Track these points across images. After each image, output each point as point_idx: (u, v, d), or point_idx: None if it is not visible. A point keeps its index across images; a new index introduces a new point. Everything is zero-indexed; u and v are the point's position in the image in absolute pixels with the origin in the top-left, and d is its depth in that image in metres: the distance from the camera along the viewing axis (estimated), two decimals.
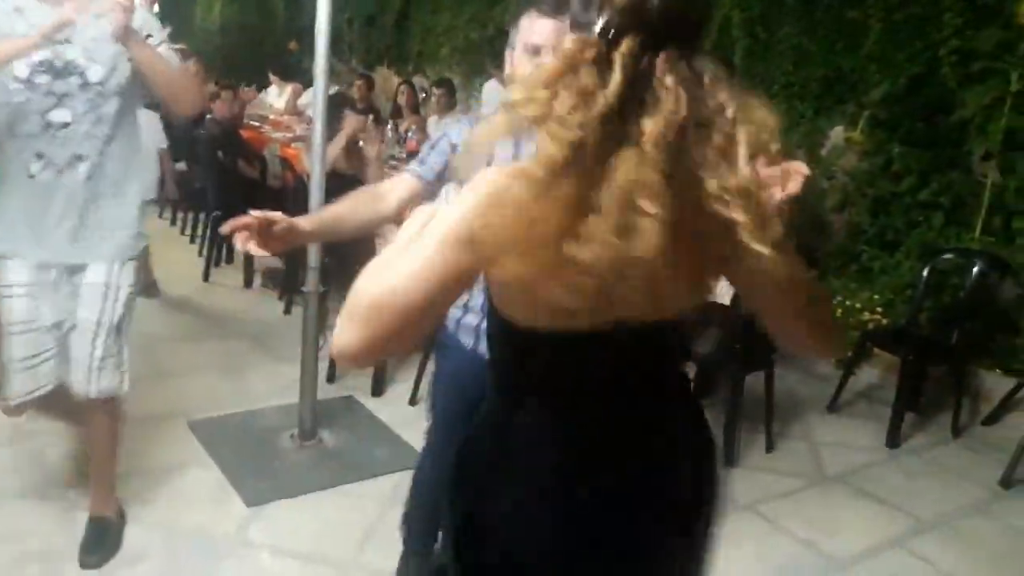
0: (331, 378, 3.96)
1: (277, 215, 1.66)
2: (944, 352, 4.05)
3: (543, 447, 1.19)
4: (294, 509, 2.94)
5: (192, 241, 6.23)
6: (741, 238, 0.99)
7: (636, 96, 0.97)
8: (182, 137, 6.37)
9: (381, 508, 2.94)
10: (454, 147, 1.94)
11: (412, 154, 5.53)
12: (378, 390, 3.86)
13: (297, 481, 3.08)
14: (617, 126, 0.96)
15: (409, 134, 5.76)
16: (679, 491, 1.25)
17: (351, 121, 4.45)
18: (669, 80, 0.97)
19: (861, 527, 3.11)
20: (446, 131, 2.01)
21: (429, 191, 1.95)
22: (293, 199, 4.56)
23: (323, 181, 3.21)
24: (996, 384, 4.11)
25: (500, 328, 1.19)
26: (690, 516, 1.28)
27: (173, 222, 6.84)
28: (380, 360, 3.86)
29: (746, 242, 0.99)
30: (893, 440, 3.78)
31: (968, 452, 3.80)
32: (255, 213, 1.61)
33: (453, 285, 1.07)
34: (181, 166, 6.53)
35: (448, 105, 6.30)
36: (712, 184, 0.98)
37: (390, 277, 1.06)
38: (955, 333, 4.02)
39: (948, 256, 4.14)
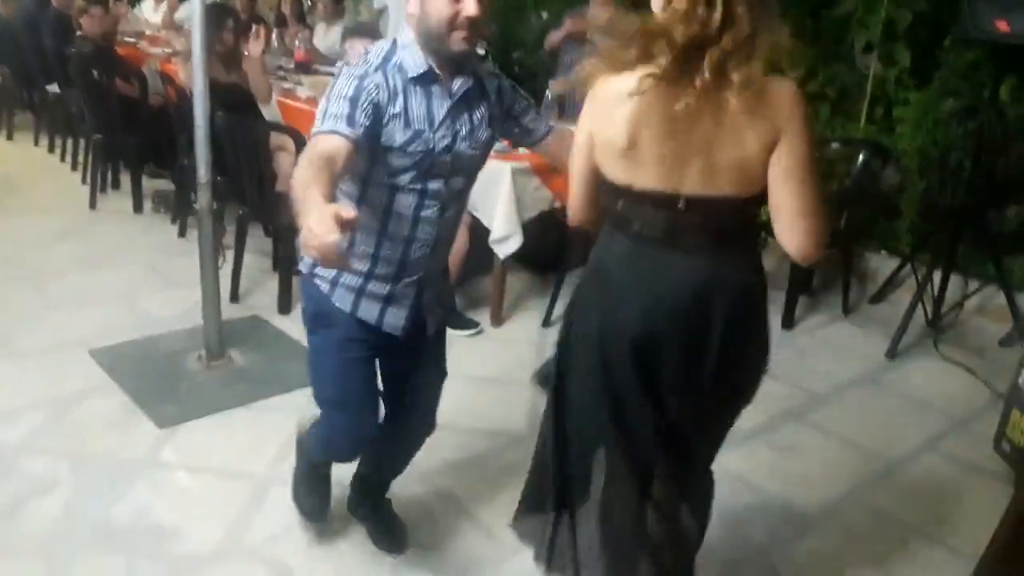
0: (235, 298, 3.88)
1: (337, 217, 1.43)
2: (834, 236, 4.23)
3: (625, 266, 1.66)
4: (207, 428, 2.90)
5: (74, 168, 5.90)
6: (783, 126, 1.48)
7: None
8: (52, 57, 5.96)
9: (295, 420, 2.92)
10: (377, 105, 1.74)
11: (300, 64, 5.33)
12: (285, 307, 3.81)
13: (208, 401, 3.04)
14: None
15: (297, 43, 5.52)
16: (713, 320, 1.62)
17: (254, 46, 4.25)
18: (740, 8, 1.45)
19: (759, 403, 3.20)
20: (362, 84, 1.74)
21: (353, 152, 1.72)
22: (176, 115, 4.34)
23: (206, 94, 3.05)
24: (881, 264, 4.36)
25: (605, 184, 1.67)
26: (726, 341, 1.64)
27: (51, 149, 6.44)
28: (284, 278, 3.80)
29: (792, 134, 1.48)
30: (788, 322, 3.98)
31: (857, 329, 4.05)
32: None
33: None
34: (54, 89, 6.12)
35: (335, 12, 6.06)
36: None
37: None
38: (843, 218, 4.22)
39: (835, 146, 4.30)
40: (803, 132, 1.49)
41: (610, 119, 1.56)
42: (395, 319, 1.98)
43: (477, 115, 1.88)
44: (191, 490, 2.60)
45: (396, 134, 1.77)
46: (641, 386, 1.67)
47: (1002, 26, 3.29)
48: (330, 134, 1.69)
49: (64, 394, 3.05)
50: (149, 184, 5.27)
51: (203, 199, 3.13)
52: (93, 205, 5.18)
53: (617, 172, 1.61)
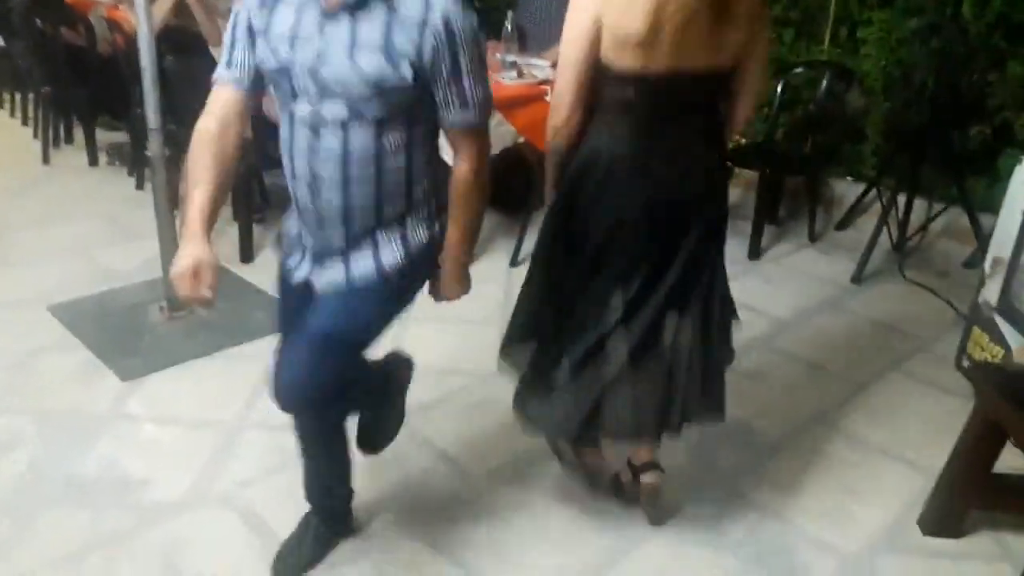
0: None
1: (191, 266, 1.64)
2: (798, 163, 4.24)
3: (625, 149, 1.89)
4: (173, 379, 2.87)
5: (25, 124, 5.73)
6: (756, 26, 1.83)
7: None
8: None
9: (263, 367, 2.89)
10: (250, 28, 1.66)
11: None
12: (247, 256, 3.76)
13: (172, 351, 3.00)
14: None
15: None
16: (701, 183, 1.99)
17: None
18: None
19: None
20: (238, 9, 1.68)
21: (251, 94, 1.72)
22: (127, 62, 4.20)
23: (153, 41, 2.95)
24: (847, 190, 4.36)
25: (604, 74, 1.83)
26: (704, 205, 2.01)
27: (0, 105, 6.25)
28: (244, 226, 3.74)
29: (759, 28, 1.85)
30: (754, 251, 3.99)
31: (823, 256, 4.06)
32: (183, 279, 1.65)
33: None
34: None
35: None
36: None
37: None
38: (808, 144, 4.21)
39: (799, 71, 4.25)
40: (766, 28, 1.93)
41: (627, 10, 1.73)
42: (295, 267, 1.87)
43: (364, 36, 1.56)
44: (158, 441, 2.58)
45: (261, 53, 1.65)
46: (660, 242, 1.98)
47: None
48: (216, 88, 1.68)
49: (24, 351, 3.01)
50: (104, 137, 5.13)
51: (154, 146, 3.04)
52: (46, 160, 5.05)
53: (629, 60, 1.78)
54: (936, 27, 3.82)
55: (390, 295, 1.82)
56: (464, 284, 1.93)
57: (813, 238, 4.18)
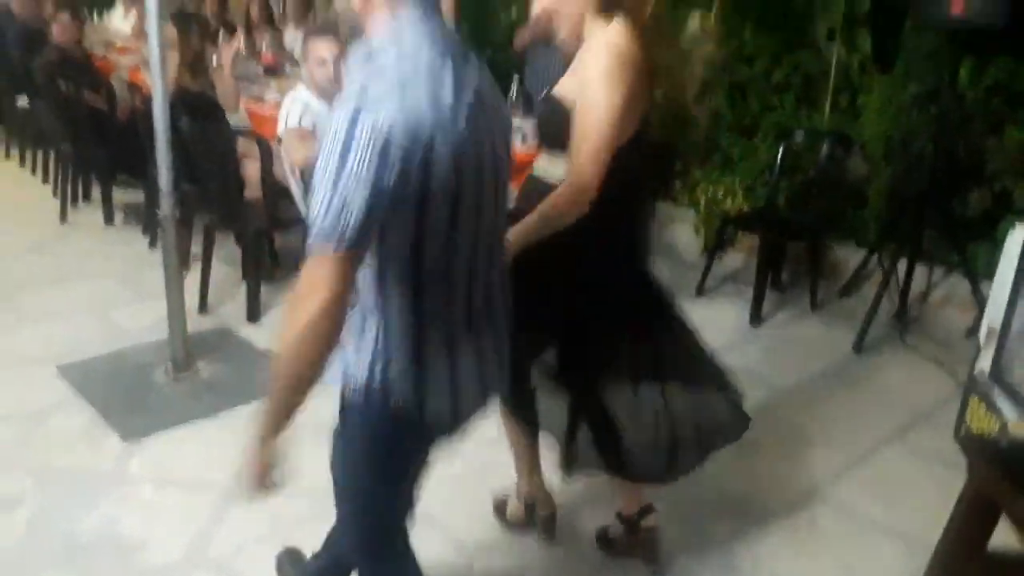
0: (203, 308, 3.88)
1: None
2: (800, 229, 4.27)
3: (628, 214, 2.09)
4: (174, 440, 2.91)
5: (45, 182, 5.87)
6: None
7: None
8: (19, 69, 5.93)
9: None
10: None
11: (268, 68, 5.32)
12: (254, 316, 3.81)
13: (174, 413, 3.04)
14: None
15: (264, 48, 5.51)
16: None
17: (226, 53, 4.23)
18: None
19: None
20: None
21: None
22: (146, 125, 4.32)
23: (166, 102, 3.05)
24: (850, 256, 4.38)
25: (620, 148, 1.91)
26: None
27: (22, 162, 6.41)
28: (253, 287, 3.81)
29: None
30: (755, 318, 4.01)
31: (825, 323, 4.08)
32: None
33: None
34: (24, 102, 6.09)
35: (304, 14, 6.05)
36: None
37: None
38: (809, 210, 4.25)
39: (799, 137, 4.32)
40: None
41: (640, 79, 1.87)
42: None
43: None
44: (156, 503, 2.61)
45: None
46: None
47: (956, 9, 3.31)
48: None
49: (32, 409, 3.06)
50: (121, 195, 5.25)
51: (166, 207, 3.12)
52: (64, 218, 5.17)
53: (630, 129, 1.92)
54: (934, 94, 3.88)
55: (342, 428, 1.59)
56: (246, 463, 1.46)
57: (815, 305, 4.19)
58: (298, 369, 1.29)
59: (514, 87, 4.26)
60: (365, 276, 1.40)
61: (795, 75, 4.50)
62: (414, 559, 1.76)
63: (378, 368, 1.42)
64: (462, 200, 1.33)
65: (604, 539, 2.41)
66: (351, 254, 1.24)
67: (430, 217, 1.31)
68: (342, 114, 1.23)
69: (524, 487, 2.46)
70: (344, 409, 1.54)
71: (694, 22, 4.91)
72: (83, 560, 2.34)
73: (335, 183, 1.21)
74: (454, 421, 1.53)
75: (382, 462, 1.56)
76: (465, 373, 1.48)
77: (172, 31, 4.13)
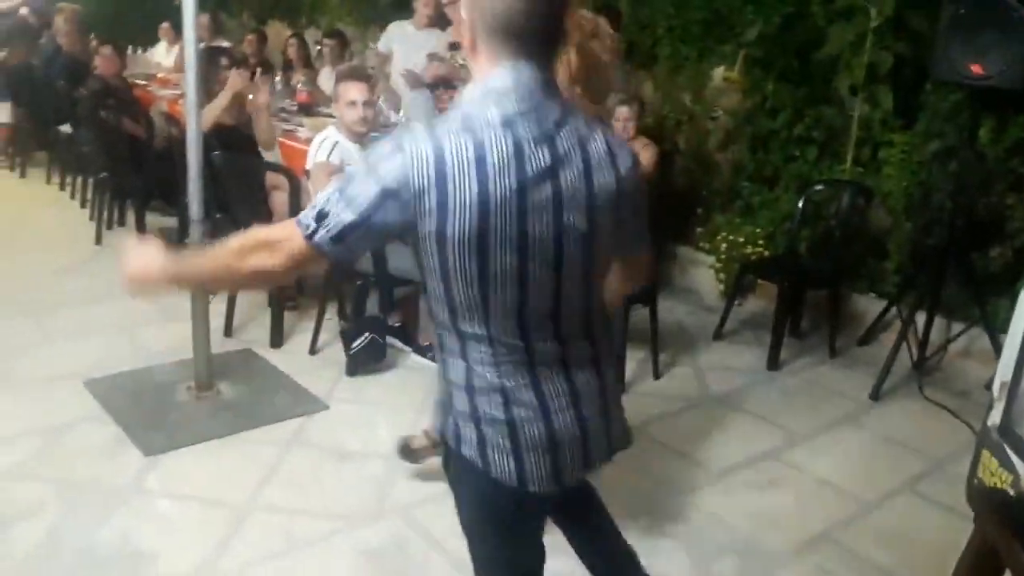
0: (228, 332, 3.96)
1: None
2: (820, 277, 4.30)
3: None
4: (192, 457, 2.97)
5: (83, 206, 6.04)
6: None
7: None
8: (64, 98, 6.16)
9: (280, 451, 3.00)
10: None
11: (303, 106, 5.48)
12: (277, 341, 3.89)
13: (194, 431, 3.11)
14: None
15: (299, 86, 5.68)
16: None
17: (235, 79, 4.37)
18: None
19: (739, 441, 3.33)
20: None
21: None
22: (180, 155, 4.47)
23: (199, 135, 3.18)
24: (869, 306, 4.39)
25: None
26: None
27: (62, 187, 6.62)
28: (276, 313, 3.89)
29: None
30: (773, 363, 4.02)
31: (842, 370, 4.07)
32: None
33: None
34: (67, 129, 6.31)
35: (340, 57, 6.23)
36: None
37: None
38: (829, 259, 4.28)
39: (820, 188, 4.37)
40: None
41: None
42: None
43: None
44: (172, 517, 2.66)
45: None
46: None
47: (976, 69, 3.37)
48: None
49: (57, 423, 3.14)
50: (154, 221, 5.40)
51: (195, 235, 3.23)
52: (99, 241, 5.31)
53: None
54: (954, 151, 3.92)
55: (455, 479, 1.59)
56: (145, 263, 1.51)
57: (833, 353, 4.20)
58: (212, 280, 1.70)
59: None
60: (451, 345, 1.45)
61: (817, 128, 4.57)
62: None
63: (450, 425, 1.48)
64: (498, 252, 1.32)
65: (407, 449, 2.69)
66: (313, 251, 1.33)
67: (456, 267, 1.33)
68: (385, 142, 1.33)
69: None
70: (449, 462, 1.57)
71: (718, 74, 5.01)
72: (98, 570, 2.39)
73: (339, 192, 1.31)
74: (556, 483, 1.49)
75: (492, 525, 1.57)
76: (561, 429, 1.47)
77: (237, 76, 4.31)
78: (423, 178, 1.28)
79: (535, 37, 1.34)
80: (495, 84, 1.33)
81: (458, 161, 1.28)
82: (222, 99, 4.30)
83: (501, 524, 1.56)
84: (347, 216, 1.30)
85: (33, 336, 3.92)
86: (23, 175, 7.11)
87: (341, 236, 1.30)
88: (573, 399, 1.48)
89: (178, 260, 1.49)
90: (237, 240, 1.40)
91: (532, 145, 1.32)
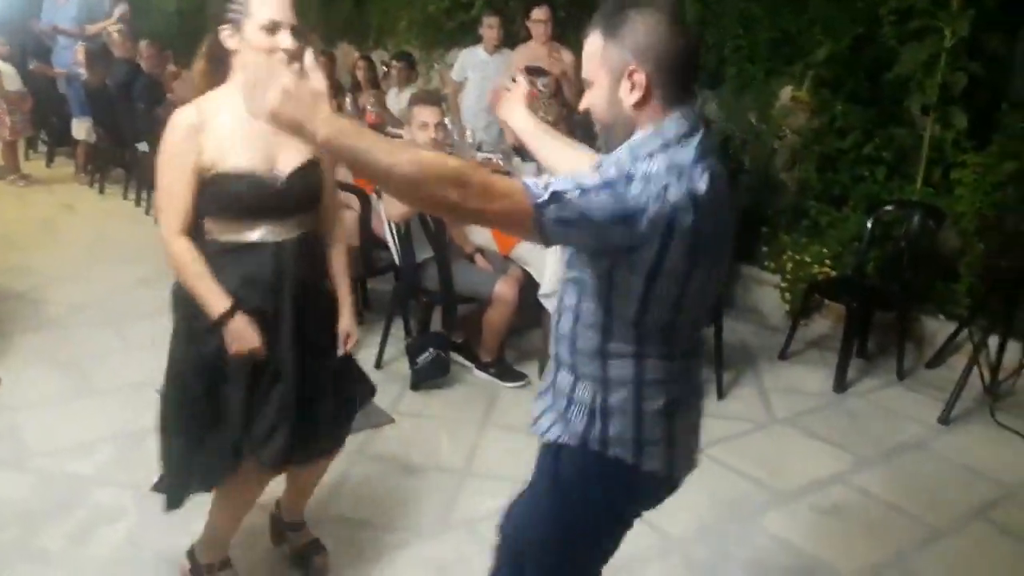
0: None
1: None
2: (889, 299, 4.23)
3: None
4: None
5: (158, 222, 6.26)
6: None
7: None
8: (142, 118, 6.41)
9: (348, 463, 3.06)
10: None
11: (371, 126, 5.60)
12: None
13: None
14: None
15: (368, 107, 5.82)
16: None
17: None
18: None
19: (805, 464, 3.29)
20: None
21: None
22: None
23: None
24: (939, 328, 4.30)
25: None
26: None
27: (138, 202, 6.88)
28: None
29: None
30: (840, 384, 3.96)
31: (911, 393, 3.99)
32: None
33: None
34: (144, 147, 6.56)
35: (407, 78, 6.36)
36: None
37: None
38: (898, 281, 4.21)
39: (890, 208, 4.30)
40: None
41: None
42: None
43: None
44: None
45: None
46: None
47: None
48: None
49: (135, 430, 3.25)
50: None
51: None
52: None
53: None
54: None
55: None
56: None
57: (901, 375, 4.12)
58: (370, 171, 1.30)
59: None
60: (581, 340, 1.54)
61: (887, 148, 4.51)
62: None
63: (596, 429, 1.54)
64: (694, 273, 1.44)
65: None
66: (533, 216, 1.33)
67: (660, 285, 1.43)
68: (624, 166, 1.38)
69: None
70: (550, 466, 1.63)
71: (785, 94, 4.99)
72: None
73: (580, 190, 1.34)
74: (668, 478, 1.61)
75: (590, 523, 1.63)
76: (682, 431, 1.60)
77: None
78: (657, 214, 1.35)
79: (695, 78, 1.50)
80: (673, 131, 1.43)
81: (678, 199, 1.36)
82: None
83: (612, 529, 1.66)
84: (587, 212, 1.34)
85: (113, 344, 4.08)
86: (102, 191, 7.41)
87: (571, 223, 1.34)
88: (697, 390, 1.66)
89: (345, 124, 1.31)
90: (448, 162, 1.32)
91: (718, 180, 1.43)
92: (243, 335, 1.99)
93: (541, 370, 3.92)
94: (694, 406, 1.63)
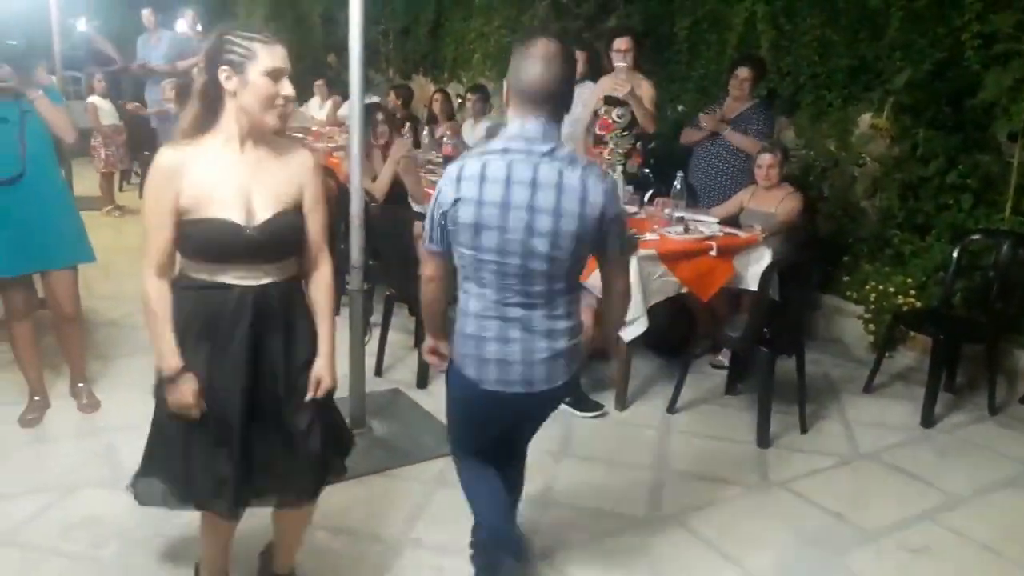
0: (379, 372, 4.15)
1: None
2: (977, 331, 4.10)
3: None
4: (346, 491, 3.08)
5: None
6: None
7: None
8: None
9: (428, 488, 3.11)
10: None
11: (447, 159, 5.71)
12: (422, 383, 4.04)
13: (349, 465, 3.25)
14: None
15: (445, 139, 5.94)
16: None
17: (397, 149, 4.64)
18: None
19: (892, 501, 3.20)
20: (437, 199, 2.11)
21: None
22: (336, 204, 4.75)
23: (361, 188, 3.39)
24: None
25: None
26: None
27: None
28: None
29: None
30: (927, 419, 3.85)
31: (1003, 429, 3.85)
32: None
33: None
34: None
35: (482, 110, 6.47)
36: None
37: None
38: (987, 312, 4.08)
39: (977, 237, 4.18)
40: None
41: None
42: None
43: None
44: (328, 550, 2.80)
45: None
46: None
47: None
48: None
49: None
50: None
51: (355, 280, 3.43)
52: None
53: None
54: None
55: None
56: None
57: (993, 410, 3.98)
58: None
59: (677, 181, 4.38)
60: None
61: (972, 176, 4.39)
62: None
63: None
64: (481, 240, 2.04)
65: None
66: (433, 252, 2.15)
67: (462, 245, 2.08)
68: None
69: None
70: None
71: (864, 121, 4.91)
72: None
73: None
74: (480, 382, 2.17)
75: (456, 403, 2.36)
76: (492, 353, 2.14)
77: (402, 145, 4.65)
78: (450, 184, 2.06)
79: (540, 99, 2.02)
80: (510, 130, 2.06)
81: (470, 174, 2.04)
82: (387, 172, 4.57)
83: (468, 411, 2.37)
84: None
85: None
86: None
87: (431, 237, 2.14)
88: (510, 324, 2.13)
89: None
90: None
91: (518, 167, 2.01)
92: (183, 398, 2.00)
93: (617, 400, 3.91)
94: (505, 337, 2.12)
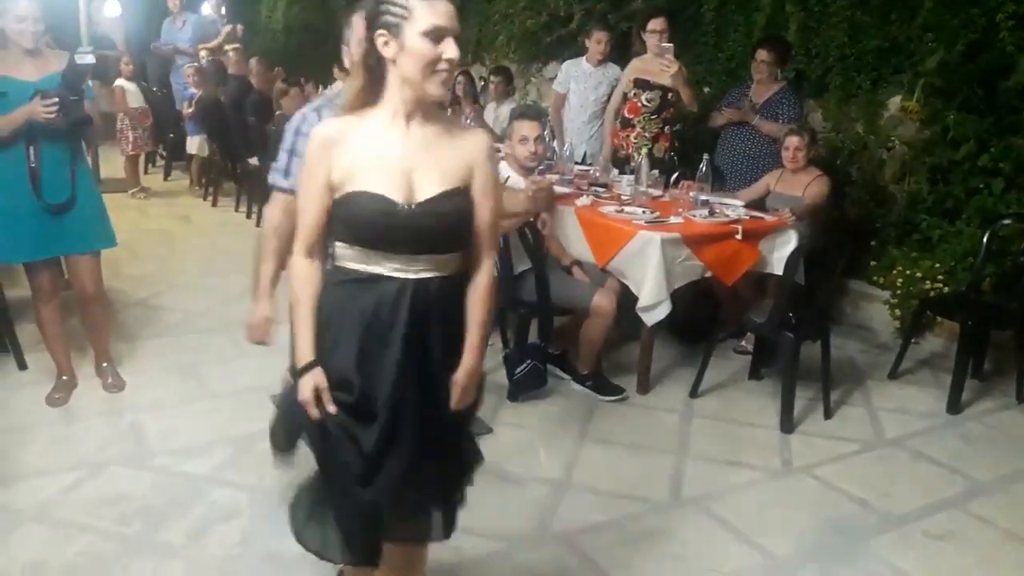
0: None
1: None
2: (1006, 317, 4.04)
3: None
4: None
5: None
6: None
7: None
8: (254, 133, 6.69)
9: None
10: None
11: None
12: None
13: None
14: None
15: (467, 121, 5.92)
16: None
17: None
18: None
19: (917, 488, 3.17)
20: (296, 126, 2.35)
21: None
22: None
23: None
24: None
25: None
26: None
27: (249, 215, 7.18)
28: None
29: None
30: (954, 406, 3.80)
31: None
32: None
33: None
34: (255, 161, 6.85)
35: (505, 92, 6.44)
36: None
37: None
38: (1017, 298, 4.01)
39: (1008, 222, 4.11)
40: None
41: None
42: None
43: None
44: None
45: None
46: None
47: None
48: None
49: (249, 432, 3.37)
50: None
51: None
52: (283, 267, 5.69)
53: None
54: None
55: None
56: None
57: (1021, 397, 3.93)
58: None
59: (703, 164, 4.35)
60: None
61: (1005, 160, 4.32)
62: None
63: None
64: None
65: None
66: None
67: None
68: None
69: None
70: None
71: (894, 104, 4.84)
72: (286, 572, 2.57)
73: None
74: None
75: None
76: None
77: None
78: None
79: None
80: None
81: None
82: None
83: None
84: None
85: (228, 351, 4.25)
86: (215, 204, 7.77)
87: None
88: None
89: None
90: None
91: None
92: (304, 394, 1.84)
93: (639, 384, 3.90)
94: None
